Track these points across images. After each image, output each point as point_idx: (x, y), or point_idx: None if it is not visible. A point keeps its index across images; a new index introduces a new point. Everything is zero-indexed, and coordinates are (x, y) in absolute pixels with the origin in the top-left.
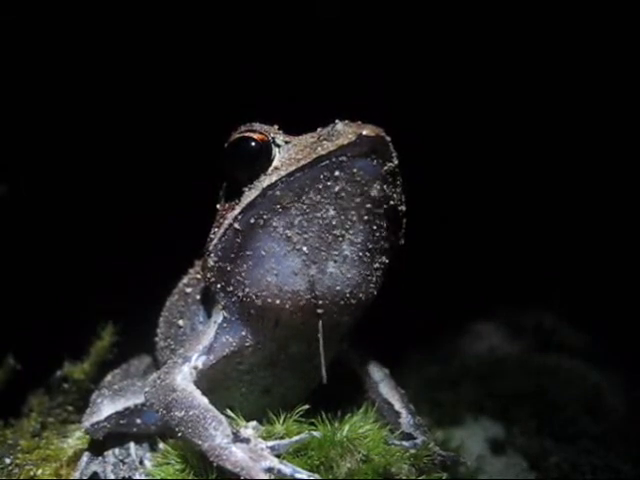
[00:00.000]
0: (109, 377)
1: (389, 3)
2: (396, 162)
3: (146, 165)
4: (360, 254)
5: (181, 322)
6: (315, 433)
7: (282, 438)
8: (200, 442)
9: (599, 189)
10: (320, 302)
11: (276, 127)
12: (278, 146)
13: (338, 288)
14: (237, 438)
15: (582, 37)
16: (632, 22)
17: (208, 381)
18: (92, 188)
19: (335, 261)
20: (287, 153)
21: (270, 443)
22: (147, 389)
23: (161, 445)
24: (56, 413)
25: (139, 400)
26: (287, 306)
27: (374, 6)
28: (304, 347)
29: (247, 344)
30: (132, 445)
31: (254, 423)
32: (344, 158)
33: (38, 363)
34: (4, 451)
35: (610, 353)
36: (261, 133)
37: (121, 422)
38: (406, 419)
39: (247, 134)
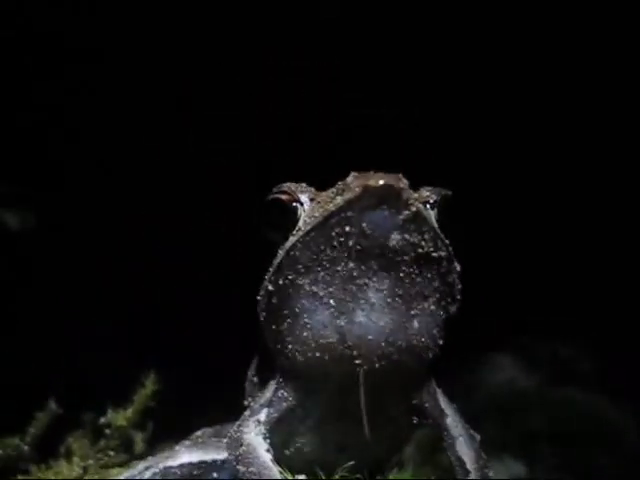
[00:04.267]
0: (199, 433)
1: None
2: (414, 209)
3: (148, 169)
4: (389, 300)
5: (255, 379)
6: None
7: None
8: None
9: (613, 218)
10: (355, 352)
11: (304, 185)
12: (302, 204)
13: (370, 337)
14: None
15: (582, 38)
16: (632, 22)
17: (279, 437)
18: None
19: (363, 309)
20: (310, 212)
21: None
22: (226, 440)
23: None
24: (97, 457)
25: (219, 456)
26: (326, 358)
27: (375, 6)
28: (364, 401)
29: (304, 399)
30: None
31: (302, 477)
32: (351, 213)
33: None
34: None
35: (626, 382)
36: (288, 194)
37: (194, 473)
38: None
39: (276, 196)
